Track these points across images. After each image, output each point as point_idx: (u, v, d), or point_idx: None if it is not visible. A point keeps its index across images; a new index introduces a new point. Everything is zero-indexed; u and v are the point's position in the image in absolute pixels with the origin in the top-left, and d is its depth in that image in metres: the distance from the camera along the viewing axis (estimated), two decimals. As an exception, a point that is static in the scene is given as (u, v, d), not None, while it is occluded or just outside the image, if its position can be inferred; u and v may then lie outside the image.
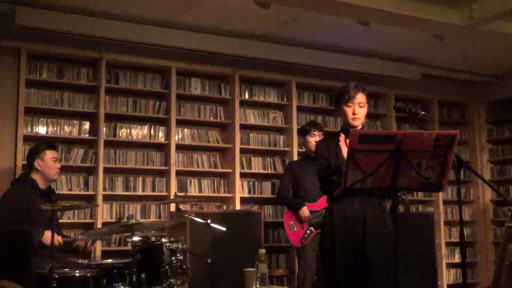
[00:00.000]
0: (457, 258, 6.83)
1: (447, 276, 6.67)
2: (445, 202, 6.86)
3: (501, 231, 6.59)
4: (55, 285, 3.12)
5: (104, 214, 5.15)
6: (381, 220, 2.99)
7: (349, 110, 3.08)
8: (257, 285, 3.81)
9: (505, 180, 7.01)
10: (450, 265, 6.79)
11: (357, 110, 3.07)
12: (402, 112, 2.95)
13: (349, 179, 2.49)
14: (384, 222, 2.98)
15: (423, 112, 2.96)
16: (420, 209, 6.77)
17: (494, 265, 5.02)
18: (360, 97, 3.08)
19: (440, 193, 6.57)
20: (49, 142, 4.20)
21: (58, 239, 3.63)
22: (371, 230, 2.94)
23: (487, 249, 7.00)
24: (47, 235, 3.61)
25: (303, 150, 5.25)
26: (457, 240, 6.79)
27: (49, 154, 3.99)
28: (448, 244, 6.80)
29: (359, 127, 3.11)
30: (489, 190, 7.03)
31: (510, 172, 6.96)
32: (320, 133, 4.84)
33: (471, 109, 7.35)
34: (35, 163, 3.96)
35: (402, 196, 4.23)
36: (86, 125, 5.27)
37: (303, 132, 4.92)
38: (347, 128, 3.03)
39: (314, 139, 4.77)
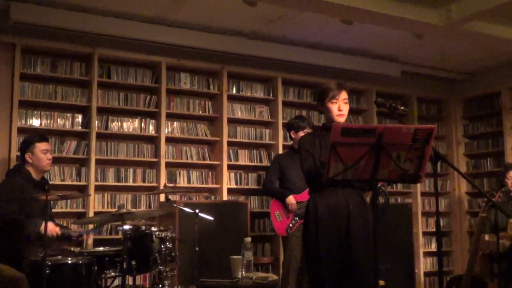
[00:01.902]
0: (433, 247, 6.88)
1: (424, 264, 6.77)
2: (423, 194, 6.93)
3: (475, 221, 6.67)
4: (48, 272, 3.17)
5: (96, 204, 5.17)
6: (363, 210, 3.05)
7: (334, 107, 3.12)
8: (243, 272, 3.86)
9: (480, 173, 7.06)
10: (427, 254, 6.86)
11: (342, 107, 3.13)
12: (383, 107, 2.97)
13: (331, 171, 2.54)
14: (365, 213, 3.05)
15: (402, 108, 2.98)
16: (399, 200, 6.81)
17: (468, 253, 5.17)
18: (344, 94, 3.14)
19: (418, 185, 6.62)
20: (40, 134, 4.19)
21: (56, 229, 3.68)
22: (354, 219, 3.00)
23: (462, 239, 7.08)
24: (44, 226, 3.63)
25: (288, 143, 5.23)
26: (434, 230, 6.81)
27: (39, 147, 4.00)
28: (425, 233, 6.88)
29: None
30: (464, 182, 7.10)
31: (485, 165, 7.01)
32: (311, 129, 4.82)
33: (448, 105, 7.41)
34: (26, 156, 3.98)
35: (382, 187, 4.36)
36: (79, 118, 5.27)
37: (297, 128, 4.88)
38: (330, 125, 3.01)
39: None
